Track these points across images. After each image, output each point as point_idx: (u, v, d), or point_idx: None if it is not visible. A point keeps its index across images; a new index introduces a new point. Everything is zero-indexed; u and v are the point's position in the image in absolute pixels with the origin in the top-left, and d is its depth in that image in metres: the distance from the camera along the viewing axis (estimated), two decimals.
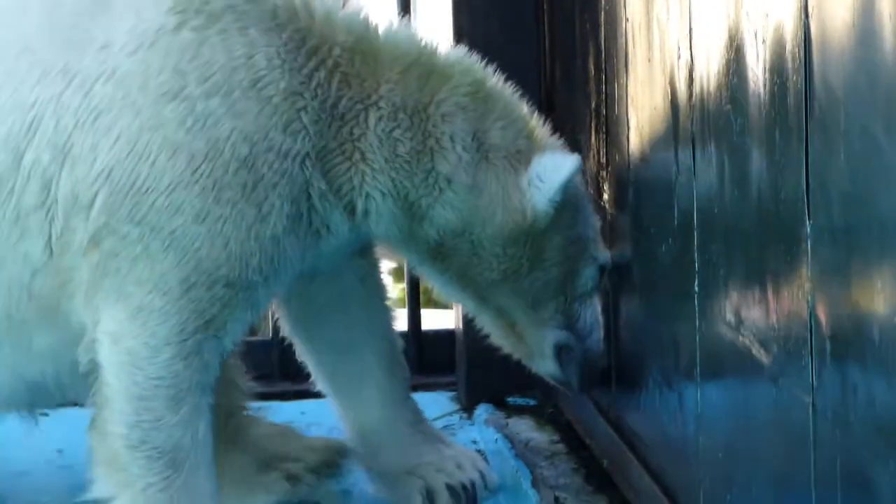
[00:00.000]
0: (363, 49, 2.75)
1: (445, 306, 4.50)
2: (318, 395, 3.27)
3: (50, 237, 2.66)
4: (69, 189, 2.63)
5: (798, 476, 2.05)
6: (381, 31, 2.78)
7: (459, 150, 2.77)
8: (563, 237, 2.89)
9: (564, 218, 2.87)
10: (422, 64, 2.79)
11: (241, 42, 2.64)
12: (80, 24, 2.67)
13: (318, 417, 3.56)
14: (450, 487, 3.13)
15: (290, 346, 3.95)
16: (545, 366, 3.03)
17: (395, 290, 4.62)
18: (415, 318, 4.17)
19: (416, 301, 4.17)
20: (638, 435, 3.05)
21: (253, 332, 3.62)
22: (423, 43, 2.81)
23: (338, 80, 2.72)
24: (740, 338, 2.29)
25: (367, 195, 2.75)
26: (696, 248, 2.53)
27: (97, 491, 2.72)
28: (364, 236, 2.88)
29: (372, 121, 2.73)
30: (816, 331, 1.95)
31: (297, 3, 2.73)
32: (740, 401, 2.34)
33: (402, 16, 3.97)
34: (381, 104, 2.74)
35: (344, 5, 2.78)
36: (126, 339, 2.62)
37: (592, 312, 3.02)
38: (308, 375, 3.24)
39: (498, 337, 3.03)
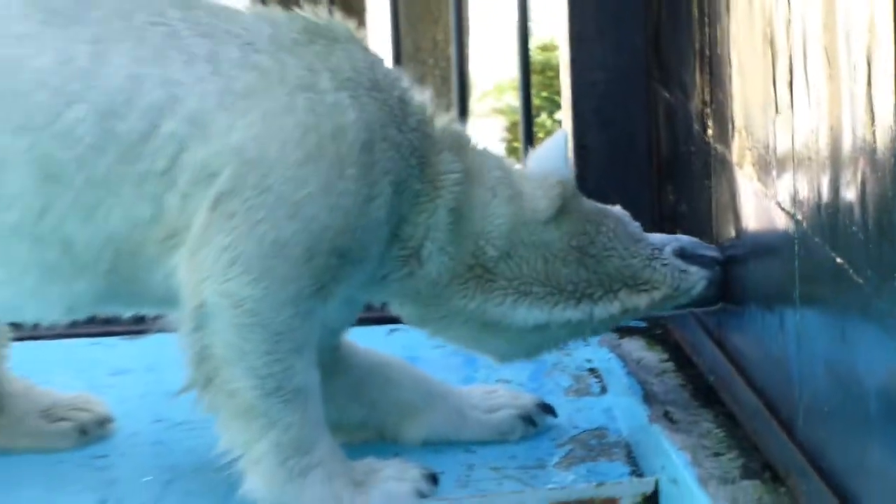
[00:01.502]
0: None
1: None
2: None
3: (162, 200, 2.88)
4: (199, 159, 2.87)
5: None
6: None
7: (496, 172, 3.11)
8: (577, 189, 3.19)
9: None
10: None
11: (362, 57, 3.02)
12: (216, 24, 2.96)
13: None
14: (537, 405, 3.31)
15: None
16: (692, 279, 3.14)
17: None
18: None
19: None
20: (742, 353, 3.10)
21: None
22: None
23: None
24: (837, 261, 2.35)
25: (435, 212, 3.03)
26: (794, 177, 2.58)
27: (232, 443, 2.93)
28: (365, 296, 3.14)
29: (437, 146, 3.06)
30: None
31: None
32: (837, 322, 2.40)
33: None
34: (439, 143, 3.08)
35: None
36: (249, 301, 2.85)
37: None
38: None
39: (638, 313, 3.17)
